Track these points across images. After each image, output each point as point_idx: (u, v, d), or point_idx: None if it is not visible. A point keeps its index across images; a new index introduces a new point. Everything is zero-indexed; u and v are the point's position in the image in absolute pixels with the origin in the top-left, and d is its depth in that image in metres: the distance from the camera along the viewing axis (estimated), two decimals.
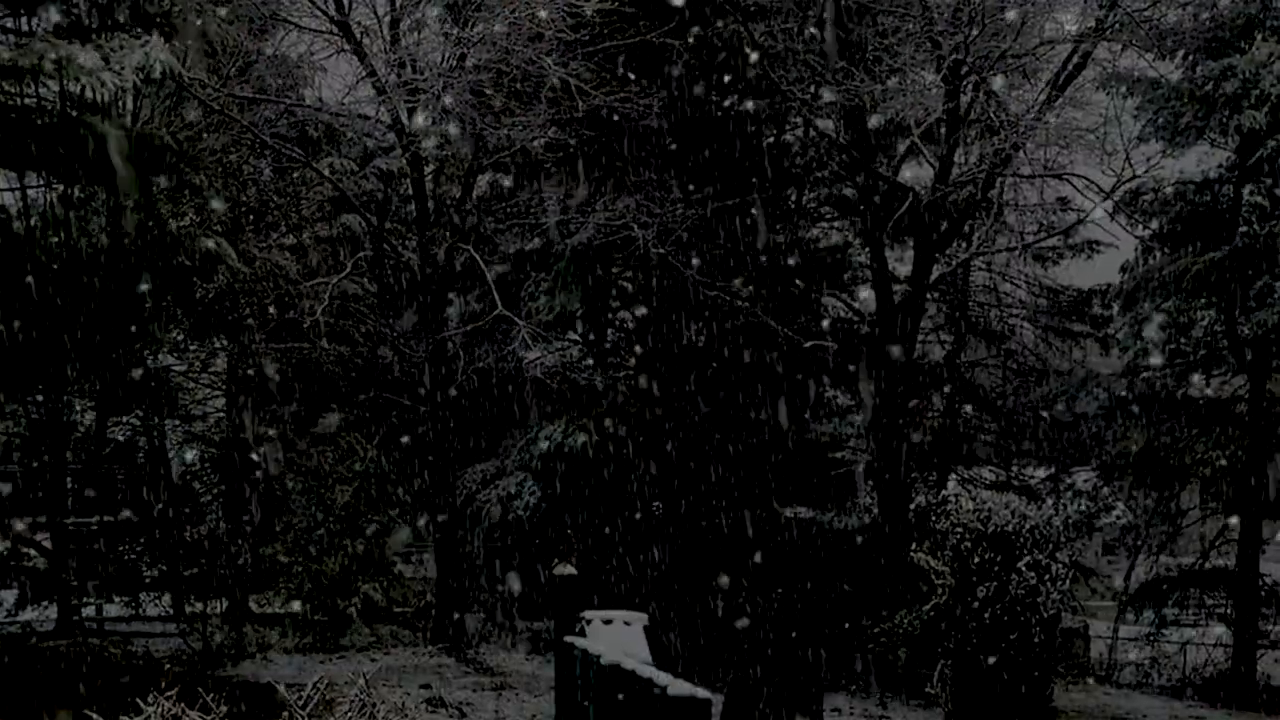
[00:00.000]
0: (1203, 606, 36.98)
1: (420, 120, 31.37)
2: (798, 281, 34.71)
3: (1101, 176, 32.59)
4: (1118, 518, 42.44)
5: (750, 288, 32.82)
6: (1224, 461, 33.46)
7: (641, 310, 34.78)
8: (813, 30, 32.65)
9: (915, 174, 35.48)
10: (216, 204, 27.27)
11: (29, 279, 21.66)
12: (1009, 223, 37.33)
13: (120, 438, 35.89)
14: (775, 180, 34.97)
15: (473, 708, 24.28)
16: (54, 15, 22.03)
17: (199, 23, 24.00)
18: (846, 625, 30.28)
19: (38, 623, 30.80)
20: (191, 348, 35.19)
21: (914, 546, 25.36)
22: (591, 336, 37.66)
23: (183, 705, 14.38)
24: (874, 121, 32.68)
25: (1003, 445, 39.61)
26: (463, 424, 34.03)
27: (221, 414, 36.22)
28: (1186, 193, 34.29)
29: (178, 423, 36.19)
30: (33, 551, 32.83)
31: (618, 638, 19.33)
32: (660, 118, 32.27)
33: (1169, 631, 36.88)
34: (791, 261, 34.26)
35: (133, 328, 24.14)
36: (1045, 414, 38.52)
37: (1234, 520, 34.92)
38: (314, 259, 32.49)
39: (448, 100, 29.66)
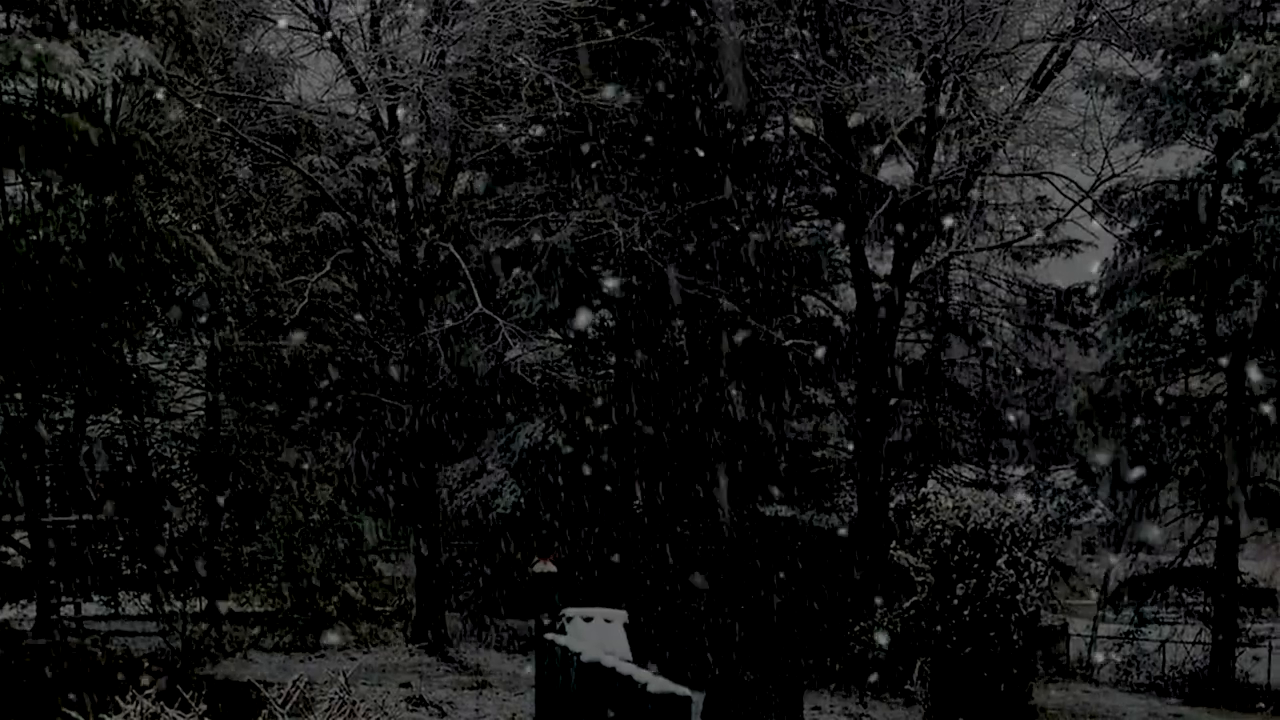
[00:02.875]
0: (1182, 605, 37.08)
1: (400, 118, 31.34)
2: (777, 280, 34.72)
3: (1081, 175, 32.73)
4: (1097, 516, 42.58)
5: (730, 286, 32.84)
6: (1201, 461, 33.60)
7: (622, 309, 34.78)
8: (793, 29, 32.69)
9: (895, 173, 35.63)
10: (196, 201, 27.21)
11: (7, 276, 21.60)
12: (989, 221, 37.42)
13: (99, 435, 35.75)
14: (755, 179, 35.00)
15: (453, 706, 24.28)
16: (33, 11, 22.00)
17: (178, 20, 23.93)
18: (827, 623, 30.32)
19: (15, 622, 30.70)
20: (171, 346, 35.10)
21: (894, 544, 25.40)
22: (572, 335, 37.64)
23: (162, 704, 14.33)
24: (854, 120, 32.72)
25: (982, 444, 39.68)
26: (443, 422, 34.00)
27: (201, 412, 36.12)
28: (1165, 192, 34.39)
29: (157, 421, 36.01)
30: (10, 550, 32.70)
31: (598, 635, 19.34)
32: (640, 116, 32.28)
33: (1148, 630, 36.96)
34: (771, 260, 34.26)
35: (112, 325, 24.09)
36: (1025, 413, 38.60)
37: (1212, 519, 35.06)
38: (294, 257, 32.45)
39: (428, 98, 29.63)
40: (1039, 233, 36.70)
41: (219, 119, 29.31)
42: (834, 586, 31.84)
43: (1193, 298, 34.01)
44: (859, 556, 32.30)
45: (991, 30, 30.46)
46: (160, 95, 25.03)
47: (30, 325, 22.47)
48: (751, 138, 35.20)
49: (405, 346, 31.86)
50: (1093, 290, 37.20)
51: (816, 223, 39.04)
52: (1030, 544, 23.49)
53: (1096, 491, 40.07)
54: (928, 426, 37.95)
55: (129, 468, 35.12)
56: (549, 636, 20.34)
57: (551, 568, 23.20)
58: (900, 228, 32.99)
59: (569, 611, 20.29)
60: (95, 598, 34.08)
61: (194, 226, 26.62)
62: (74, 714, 14.79)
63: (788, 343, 32.69)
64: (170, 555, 33.46)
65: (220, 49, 28.71)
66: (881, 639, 25.85)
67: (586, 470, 33.73)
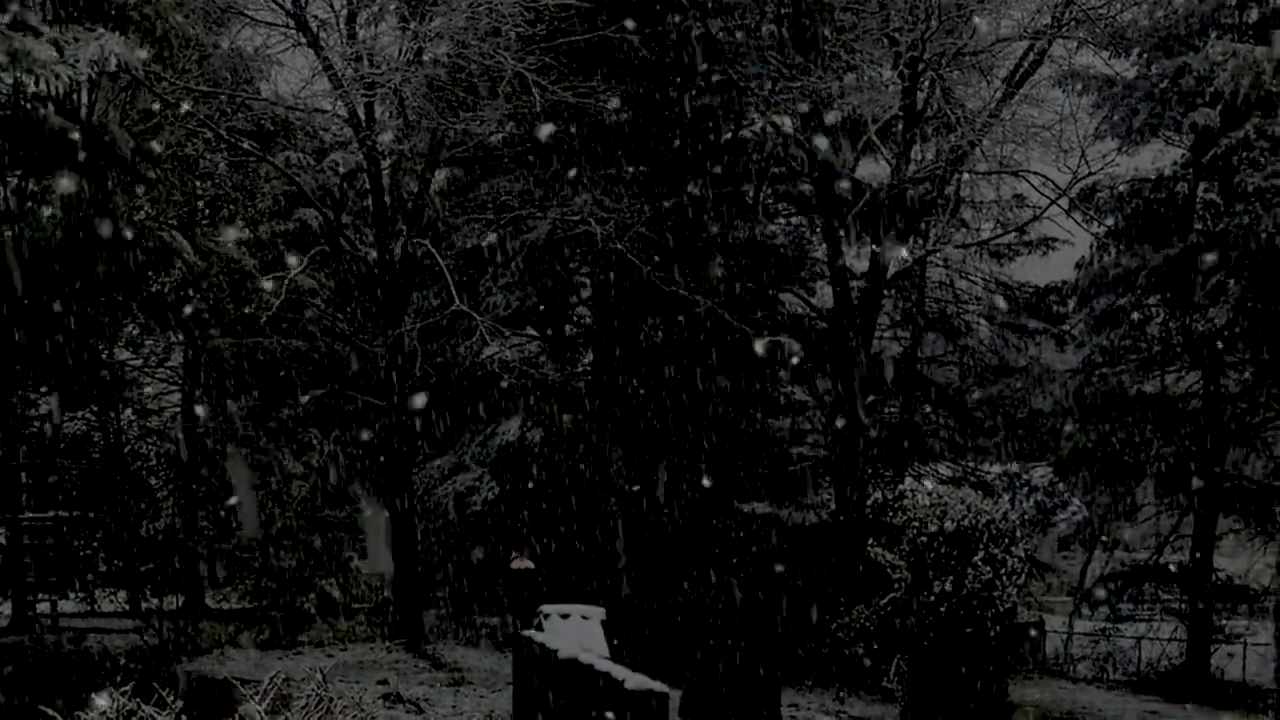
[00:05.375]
0: (1158, 601, 37.17)
1: (377, 114, 31.29)
2: (755, 277, 34.73)
3: (1057, 173, 32.86)
4: (1073, 513, 42.63)
5: (708, 283, 32.85)
6: (1177, 458, 33.67)
7: (599, 306, 34.77)
8: (771, 26, 32.72)
9: (872, 170, 35.65)
10: (172, 197, 27.15)
11: None
12: (966, 219, 37.50)
13: (76, 432, 35.70)
14: (733, 176, 35.00)
15: (430, 703, 24.24)
16: (7, 7, 21.89)
17: (154, 15, 23.87)
18: (805, 620, 30.35)
19: None
20: (147, 342, 35.06)
21: (871, 542, 25.41)
22: (549, 332, 37.61)
23: (138, 701, 14.28)
24: (831, 118, 32.72)
25: (959, 441, 39.69)
26: (420, 419, 33.98)
27: (178, 408, 36.08)
28: (1141, 190, 34.43)
29: (133, 417, 35.99)
30: None
31: (576, 632, 19.35)
32: (618, 113, 32.27)
33: (1124, 626, 37.06)
34: (749, 258, 34.28)
35: (87, 322, 24.03)
36: (1001, 410, 38.65)
37: (1188, 516, 35.15)
38: (270, 253, 32.40)
39: (405, 94, 29.58)
40: (1031, 226, 36.72)
41: (195, 115, 29.24)
42: (812, 583, 31.86)
43: (1168, 296, 34.06)
44: (836, 553, 32.33)
45: (968, 28, 30.52)
46: (136, 91, 25.00)
47: (4, 322, 22.40)
48: (729, 135, 35.19)
49: (383, 343, 31.82)
50: (1069, 288, 37.27)
51: (794, 220, 39.05)
52: (1007, 541, 23.52)
53: (1073, 489, 40.13)
54: (905, 424, 37.99)
55: (105, 464, 35.08)
56: (527, 633, 20.33)
57: (529, 564, 23.25)
58: (878, 225, 33.03)
59: (547, 608, 20.28)
60: (72, 594, 34.07)
61: (170, 222, 26.59)
62: (50, 710, 14.74)
63: (765, 340, 32.71)
64: (147, 552, 33.45)
65: (196, 45, 28.64)
66: (859, 636, 25.87)
67: (564, 467, 33.72)
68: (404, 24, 30.02)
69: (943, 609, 23.17)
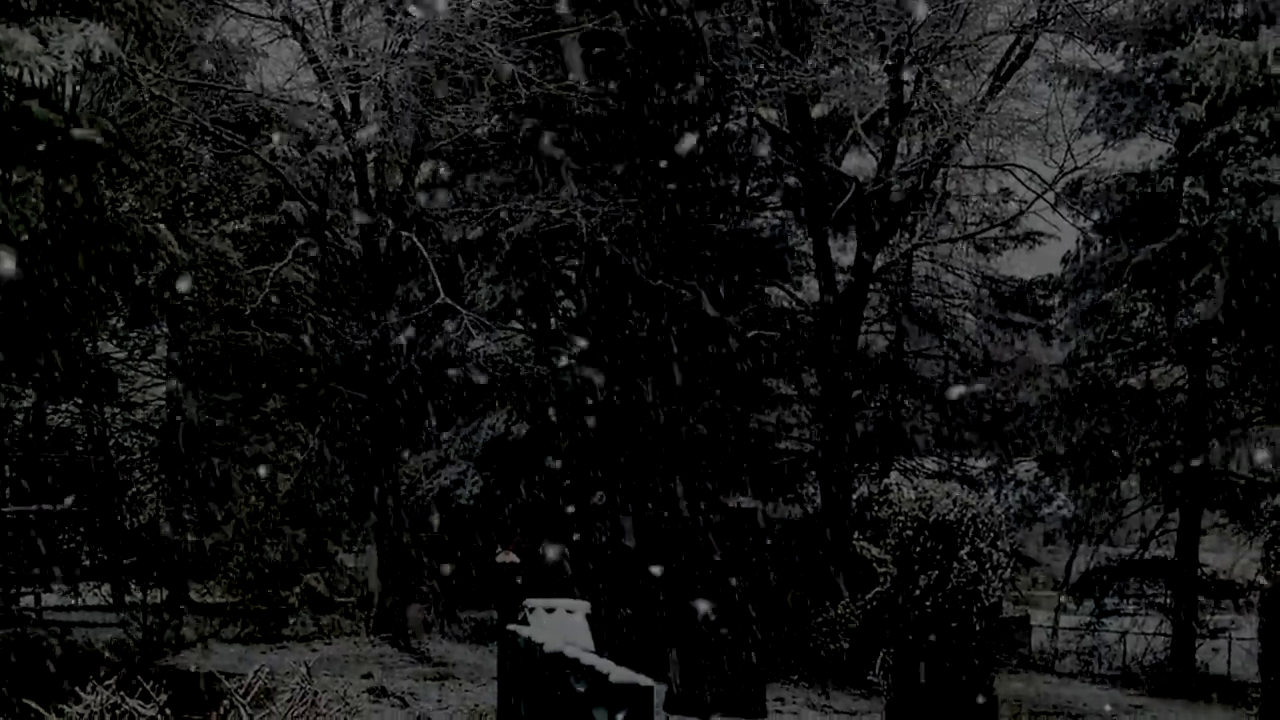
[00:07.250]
0: (1142, 596, 37.25)
1: (363, 107, 31.22)
2: (740, 271, 34.70)
3: (1044, 167, 32.83)
4: (1059, 508, 42.70)
5: (693, 277, 32.80)
6: (1162, 453, 33.73)
7: (585, 299, 34.71)
8: (757, 19, 32.69)
9: (859, 164, 35.62)
10: (157, 190, 27.04)
11: None
12: (952, 213, 37.49)
13: (60, 425, 35.60)
14: (718, 169, 34.95)
15: (415, 697, 24.20)
16: None
17: (139, 6, 23.74)
18: (790, 614, 30.34)
19: None
20: (131, 335, 34.93)
21: (856, 536, 25.41)
22: (535, 325, 37.55)
23: (122, 694, 14.24)
24: (817, 111, 32.73)
25: (945, 436, 39.69)
26: (405, 413, 33.91)
27: (162, 401, 35.97)
28: (1127, 184, 34.50)
29: (117, 410, 35.87)
30: None
31: (561, 626, 19.27)
32: (603, 106, 32.20)
33: (1109, 621, 37.15)
34: (734, 251, 34.24)
35: (71, 315, 23.91)
36: (987, 404, 38.67)
37: (1173, 511, 35.21)
38: (255, 246, 32.31)
39: (390, 87, 29.50)
40: (1017, 221, 36.73)
41: (180, 107, 29.11)
42: (797, 578, 31.86)
43: (1154, 290, 34.13)
44: (822, 548, 32.32)
45: (955, 21, 30.52)
46: (121, 82, 24.87)
47: None
48: (715, 128, 35.14)
49: (368, 336, 31.75)
50: (1055, 282, 37.31)
51: (780, 214, 39.01)
52: (993, 535, 23.50)
53: (1059, 483, 40.20)
54: (890, 418, 38.00)
55: (89, 457, 34.96)
56: (511, 627, 20.26)
57: (514, 558, 23.14)
58: (864, 219, 33.02)
59: (531, 602, 20.20)
60: (55, 588, 33.93)
61: (155, 215, 26.46)
62: (33, 704, 14.68)
63: (750, 333, 32.70)
64: (131, 545, 33.34)
65: (181, 36, 28.48)
66: (844, 630, 25.88)
67: (548, 461, 33.68)
68: (389, 16, 29.93)
69: (928, 603, 23.15)
